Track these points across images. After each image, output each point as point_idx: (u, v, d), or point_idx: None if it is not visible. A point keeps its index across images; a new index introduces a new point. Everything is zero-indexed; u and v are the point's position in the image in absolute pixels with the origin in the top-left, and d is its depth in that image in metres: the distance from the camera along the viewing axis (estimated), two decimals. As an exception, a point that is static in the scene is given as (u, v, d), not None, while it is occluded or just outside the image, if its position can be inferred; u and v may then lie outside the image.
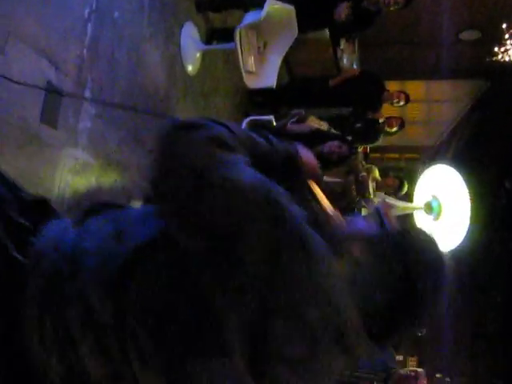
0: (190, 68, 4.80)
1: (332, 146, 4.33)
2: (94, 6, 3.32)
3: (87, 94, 3.22)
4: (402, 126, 5.81)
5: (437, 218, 4.82)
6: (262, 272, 1.01)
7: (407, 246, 1.15)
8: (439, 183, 4.80)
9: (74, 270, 1.15)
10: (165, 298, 1.07)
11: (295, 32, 4.64)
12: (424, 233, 1.23)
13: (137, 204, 2.70)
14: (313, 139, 4.32)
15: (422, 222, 4.71)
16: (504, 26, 6.45)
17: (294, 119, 4.63)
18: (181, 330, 1.05)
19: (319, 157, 4.35)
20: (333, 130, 5.02)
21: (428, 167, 5.10)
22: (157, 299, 1.07)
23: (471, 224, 4.61)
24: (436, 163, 5.18)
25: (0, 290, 1.18)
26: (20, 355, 1.16)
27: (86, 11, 3.26)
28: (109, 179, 3.50)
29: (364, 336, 1.08)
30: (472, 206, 4.49)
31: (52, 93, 2.89)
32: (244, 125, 4.47)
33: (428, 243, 1.20)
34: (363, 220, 1.33)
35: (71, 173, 3.09)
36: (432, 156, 10.54)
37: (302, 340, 1.05)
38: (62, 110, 2.99)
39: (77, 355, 1.12)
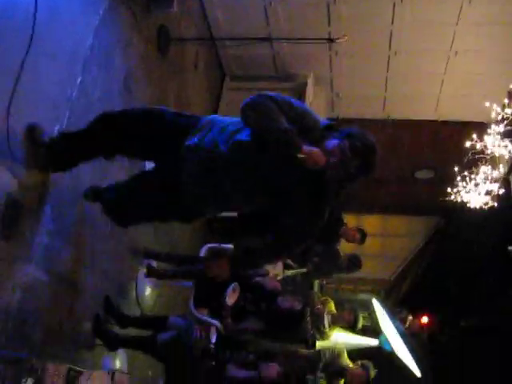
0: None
1: (285, 300, 4.53)
2: (64, 123, 3.38)
3: (47, 209, 3.18)
4: (363, 238, 5.69)
5: (393, 350, 4.87)
6: None
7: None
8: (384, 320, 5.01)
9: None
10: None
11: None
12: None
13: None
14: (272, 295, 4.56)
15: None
16: (456, 169, 6.77)
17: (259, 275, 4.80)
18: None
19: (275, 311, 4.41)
20: (289, 261, 5.08)
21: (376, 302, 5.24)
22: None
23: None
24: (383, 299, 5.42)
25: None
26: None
27: (56, 128, 3.31)
28: (59, 299, 3.39)
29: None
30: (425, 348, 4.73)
31: (10, 206, 2.85)
32: (203, 252, 4.47)
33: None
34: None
35: (21, 289, 2.98)
36: (387, 290, 10.61)
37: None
38: (19, 224, 2.93)
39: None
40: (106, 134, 2.96)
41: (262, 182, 2.68)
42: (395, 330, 4.92)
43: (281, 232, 2.81)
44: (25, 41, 2.91)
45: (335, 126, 2.79)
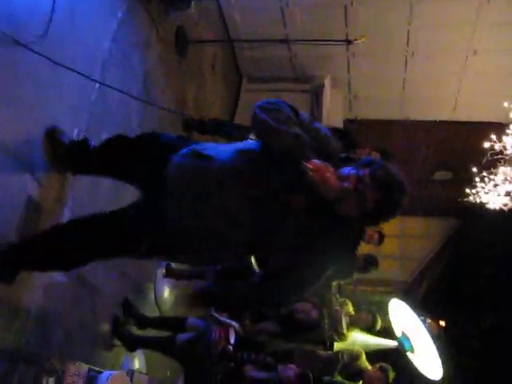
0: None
1: (303, 306, 4.56)
2: (83, 126, 3.41)
3: (67, 211, 3.20)
4: (381, 239, 5.64)
5: (412, 351, 4.82)
6: None
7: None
8: (405, 320, 4.96)
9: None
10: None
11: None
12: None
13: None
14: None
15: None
16: (474, 169, 6.72)
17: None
18: None
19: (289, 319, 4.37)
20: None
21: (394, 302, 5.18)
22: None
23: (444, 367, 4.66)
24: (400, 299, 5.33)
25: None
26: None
27: (76, 130, 3.34)
28: (79, 301, 3.42)
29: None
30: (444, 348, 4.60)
31: (31, 208, 2.88)
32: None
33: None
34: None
35: (42, 290, 3.01)
36: (405, 292, 10.54)
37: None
38: (39, 226, 2.95)
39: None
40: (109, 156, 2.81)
41: (256, 196, 2.16)
42: (423, 330, 4.86)
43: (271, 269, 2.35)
44: (43, 45, 2.94)
45: (354, 158, 2.25)
